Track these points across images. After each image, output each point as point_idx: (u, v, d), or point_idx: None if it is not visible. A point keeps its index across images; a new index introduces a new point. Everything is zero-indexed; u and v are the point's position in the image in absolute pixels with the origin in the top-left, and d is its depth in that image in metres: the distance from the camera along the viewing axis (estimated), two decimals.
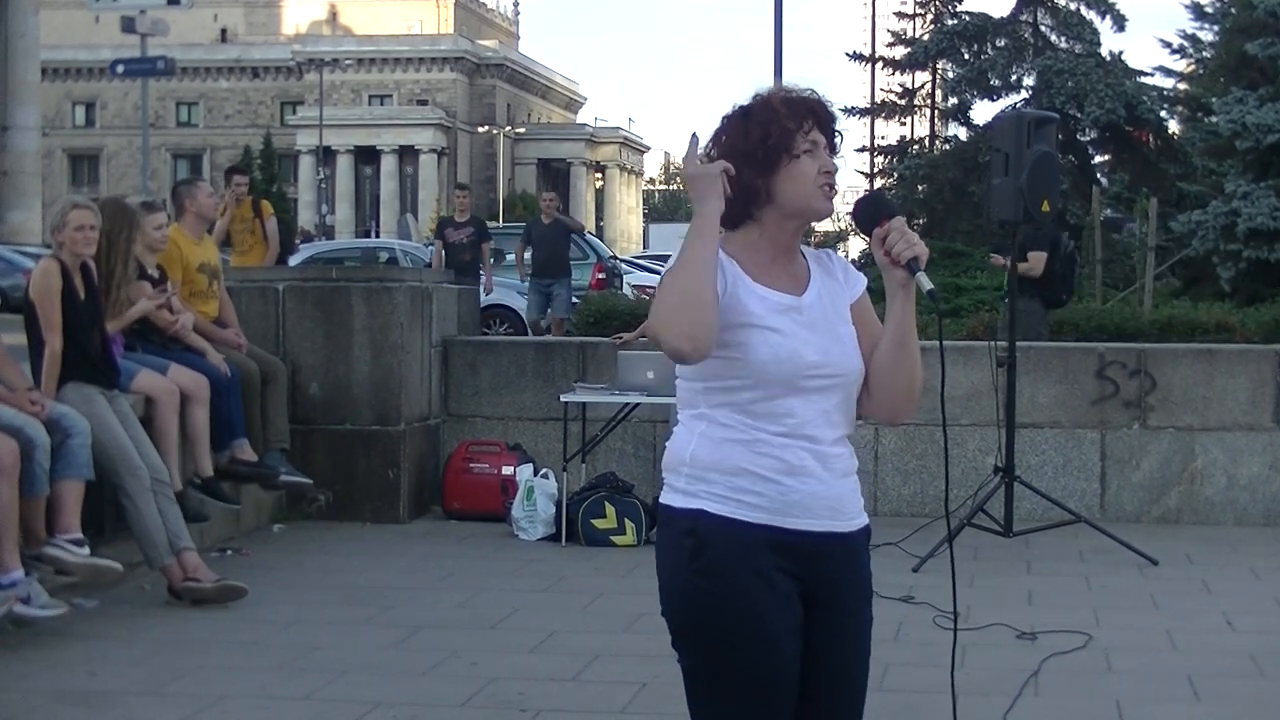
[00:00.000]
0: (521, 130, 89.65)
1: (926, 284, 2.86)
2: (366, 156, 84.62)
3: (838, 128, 3.03)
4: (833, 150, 2.99)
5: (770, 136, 2.93)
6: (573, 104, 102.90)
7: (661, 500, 2.99)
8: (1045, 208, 8.51)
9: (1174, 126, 30.46)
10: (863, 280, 3.05)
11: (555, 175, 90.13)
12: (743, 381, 2.89)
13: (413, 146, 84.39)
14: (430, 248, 22.35)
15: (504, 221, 61.54)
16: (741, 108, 3.01)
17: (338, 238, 64.89)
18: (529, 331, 15.78)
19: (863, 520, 3.02)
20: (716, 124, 3.04)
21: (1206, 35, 34.43)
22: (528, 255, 16.36)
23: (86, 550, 6.51)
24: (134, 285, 7.46)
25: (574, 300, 15.85)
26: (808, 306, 2.95)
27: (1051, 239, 10.54)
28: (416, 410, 9.40)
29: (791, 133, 2.93)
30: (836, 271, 3.06)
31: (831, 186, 2.96)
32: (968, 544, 8.24)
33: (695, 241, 2.82)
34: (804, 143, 2.94)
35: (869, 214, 2.96)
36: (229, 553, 8.14)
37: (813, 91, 3.04)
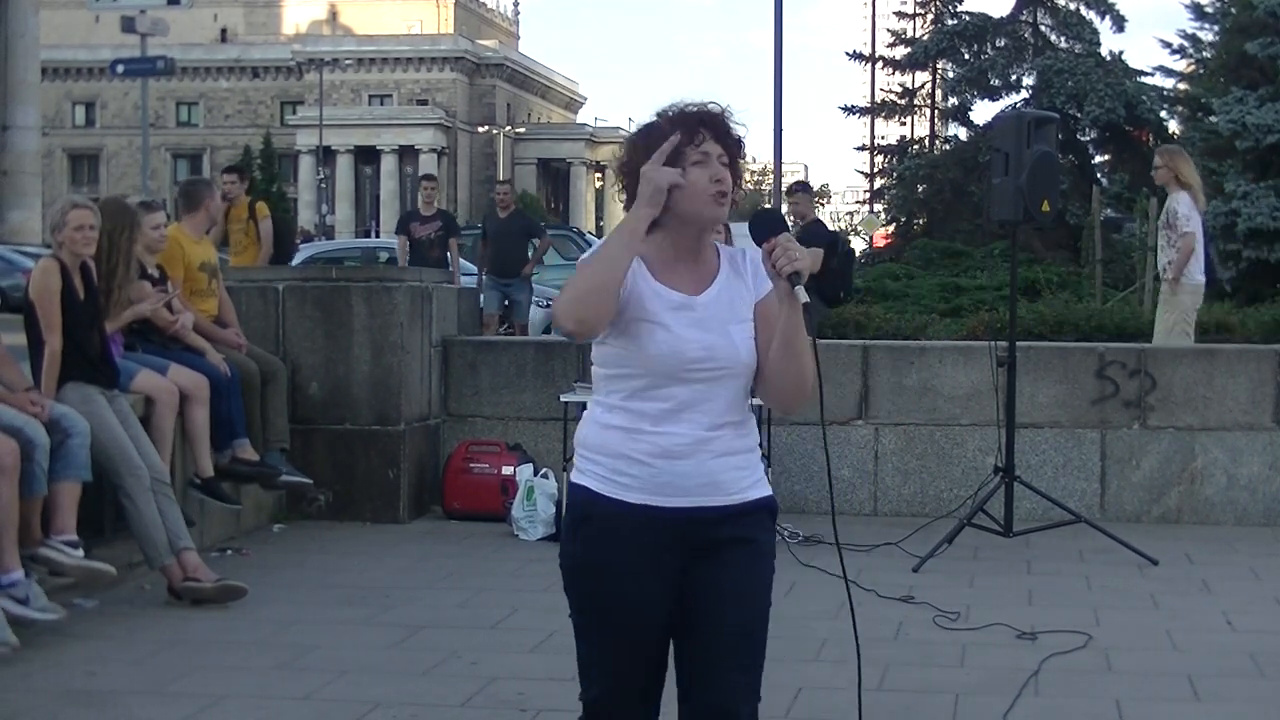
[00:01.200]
0: (521, 130, 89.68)
1: (803, 296, 3.16)
2: (366, 156, 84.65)
3: (738, 134, 3.29)
4: (731, 157, 3.26)
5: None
6: (573, 104, 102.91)
7: (570, 475, 3.40)
8: (1045, 208, 8.50)
9: (1174, 126, 30.45)
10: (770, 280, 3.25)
11: (555, 175, 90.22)
12: (634, 370, 3.24)
13: (413, 146, 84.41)
14: None
15: None
16: (642, 125, 3.33)
17: (338, 238, 64.94)
18: (481, 328, 13.06)
19: (753, 494, 3.34)
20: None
21: (1207, 35, 34.40)
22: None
23: (81, 552, 6.50)
24: (135, 285, 7.47)
25: (540, 302, 15.20)
26: (702, 304, 3.26)
27: (829, 237, 10.66)
28: (416, 410, 9.40)
29: (682, 147, 3.22)
30: (745, 272, 3.33)
31: (723, 194, 3.23)
32: (968, 544, 8.24)
33: (619, 240, 3.17)
34: (695, 154, 3.22)
35: (760, 230, 3.21)
36: (229, 553, 8.14)
37: (713, 104, 3.31)
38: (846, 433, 9.58)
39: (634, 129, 3.37)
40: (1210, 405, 9.30)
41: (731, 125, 3.30)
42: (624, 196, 3.33)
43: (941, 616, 6.75)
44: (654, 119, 3.31)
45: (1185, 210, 10.06)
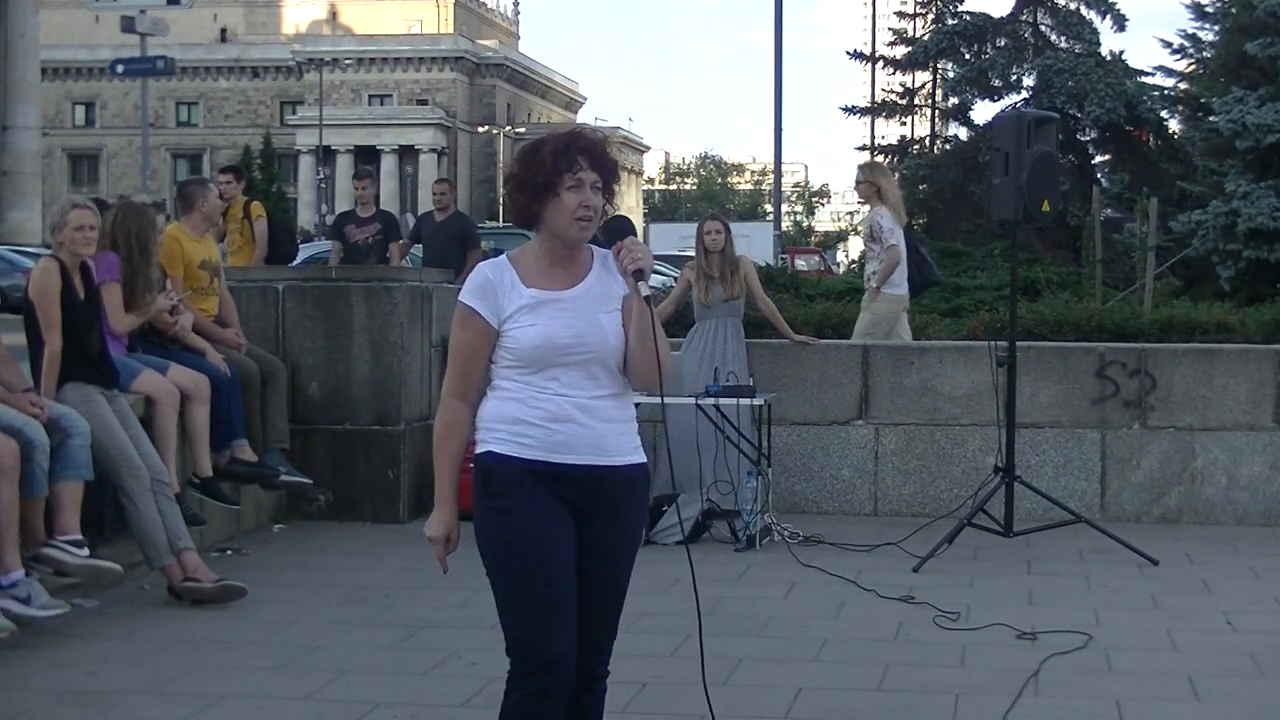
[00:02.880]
0: (521, 130, 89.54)
1: (645, 290, 3.68)
2: (366, 156, 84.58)
3: (614, 162, 3.77)
4: (605, 183, 3.73)
5: (541, 172, 3.71)
6: (573, 104, 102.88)
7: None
8: (1045, 208, 8.51)
9: (1174, 126, 30.45)
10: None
11: None
12: (516, 359, 3.73)
13: (413, 146, 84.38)
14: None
15: (504, 221, 61.54)
16: (532, 143, 3.79)
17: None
18: None
19: (632, 459, 3.81)
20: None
21: (1207, 35, 34.39)
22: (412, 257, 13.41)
23: (85, 551, 6.51)
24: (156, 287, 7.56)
25: None
26: (572, 298, 3.74)
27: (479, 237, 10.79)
28: (416, 410, 9.39)
29: (560, 172, 3.69)
30: (614, 270, 3.79)
31: (589, 220, 3.71)
32: (968, 544, 8.24)
33: (436, 473, 3.85)
34: (570, 180, 3.69)
35: (611, 233, 3.75)
36: (229, 553, 8.14)
37: (598, 133, 3.80)
38: (846, 433, 9.58)
39: (524, 146, 3.82)
40: (1210, 405, 9.30)
41: (609, 154, 3.76)
42: (508, 202, 3.84)
43: (941, 616, 6.75)
44: (542, 140, 3.77)
45: (888, 224, 10.23)
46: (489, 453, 3.75)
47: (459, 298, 3.80)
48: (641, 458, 3.83)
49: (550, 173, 3.69)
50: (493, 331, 3.73)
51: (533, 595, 3.69)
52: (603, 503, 3.75)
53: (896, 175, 32.88)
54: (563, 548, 3.71)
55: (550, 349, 3.69)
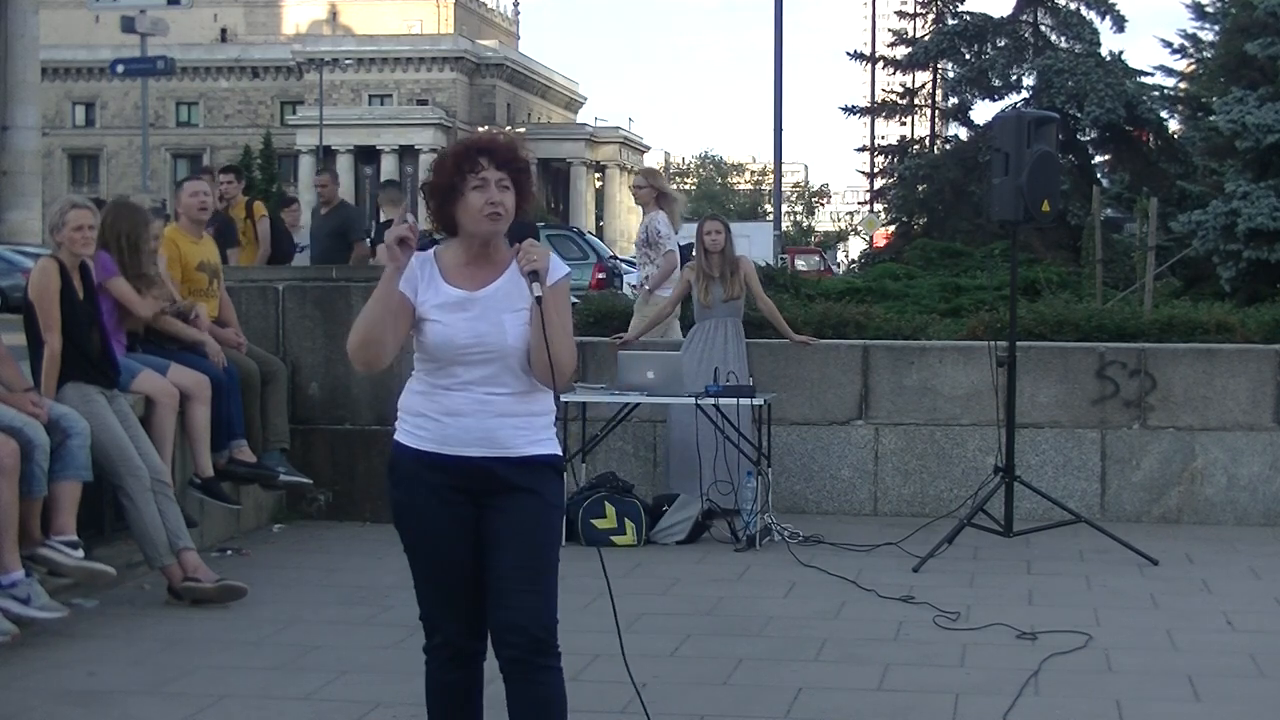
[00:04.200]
0: (521, 130, 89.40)
1: (537, 291, 3.84)
2: (366, 156, 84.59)
3: (521, 160, 3.93)
4: (512, 180, 3.89)
5: (445, 177, 3.91)
6: (573, 104, 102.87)
7: None
8: (1045, 208, 8.51)
9: (1174, 126, 30.45)
10: (551, 278, 3.89)
11: (555, 175, 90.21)
12: (425, 354, 3.98)
13: (413, 146, 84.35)
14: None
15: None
16: (439, 153, 4.04)
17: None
18: None
19: (528, 451, 3.93)
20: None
21: (1207, 35, 34.41)
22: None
23: (81, 552, 6.51)
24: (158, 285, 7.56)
25: None
26: (481, 299, 3.92)
27: (366, 228, 10.66)
28: None
29: (464, 173, 3.88)
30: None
31: (498, 215, 3.89)
32: (968, 544, 8.25)
33: (375, 298, 3.87)
34: (474, 180, 3.88)
35: (513, 236, 3.97)
36: (229, 553, 8.15)
37: (500, 134, 4.04)
38: (846, 432, 9.58)
39: (436, 155, 4.07)
40: (1210, 405, 9.30)
41: (513, 153, 3.93)
42: (431, 207, 3.97)
43: (941, 616, 6.75)
44: (449, 147, 4.01)
45: (665, 230, 10.44)
46: (395, 442, 4.03)
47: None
48: (544, 450, 3.96)
49: (453, 175, 3.89)
50: (409, 306, 3.91)
51: (425, 579, 4.01)
52: (496, 488, 3.91)
53: (896, 175, 32.96)
54: (453, 535, 3.93)
55: (450, 348, 3.89)
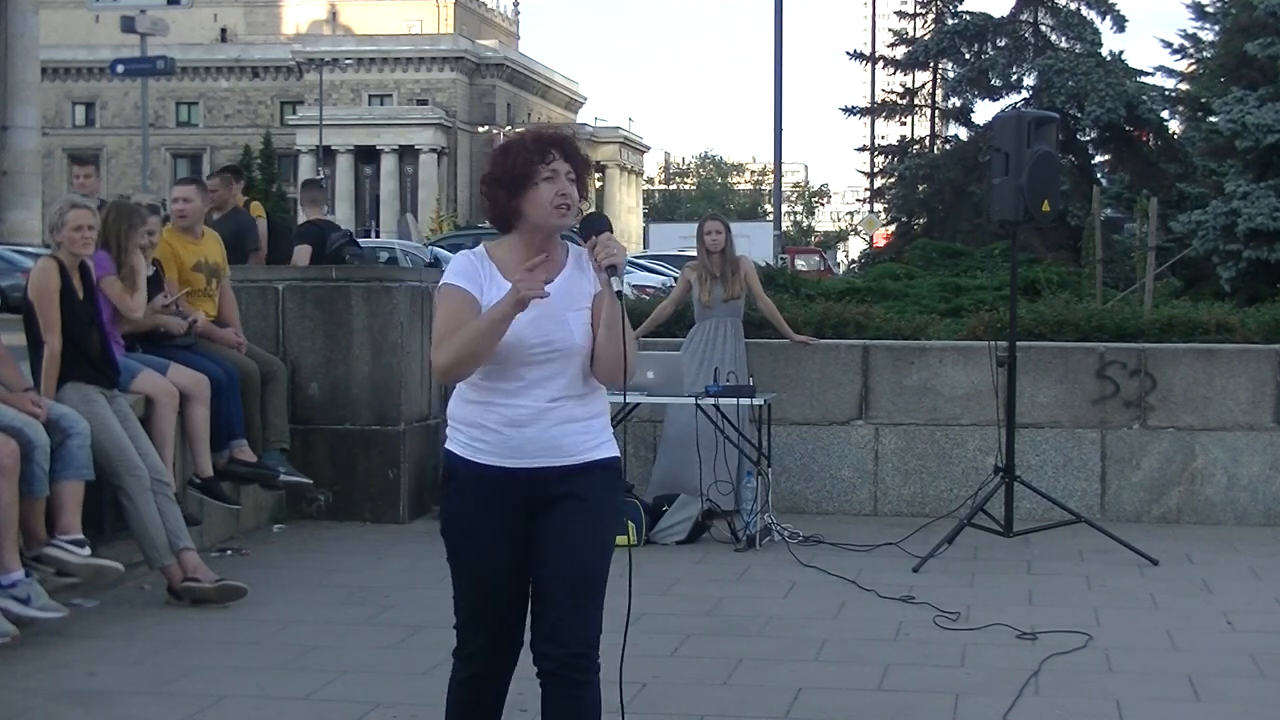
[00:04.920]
0: (521, 130, 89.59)
1: (617, 285, 3.73)
2: (366, 156, 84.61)
3: (584, 156, 3.86)
4: (578, 174, 3.80)
5: (516, 167, 3.79)
6: (573, 104, 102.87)
7: None
8: (1045, 208, 8.51)
9: (1174, 126, 30.44)
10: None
11: None
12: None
13: (413, 146, 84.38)
14: (431, 248, 22.08)
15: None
16: (502, 144, 3.88)
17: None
18: None
19: (590, 456, 3.83)
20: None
21: (1207, 35, 34.41)
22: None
23: (87, 551, 6.51)
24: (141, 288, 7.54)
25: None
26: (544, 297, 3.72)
27: (314, 234, 10.37)
28: (416, 410, 9.40)
29: (534, 164, 3.77)
30: (588, 268, 3.84)
31: (568, 207, 3.77)
32: (968, 544, 8.25)
33: (489, 329, 3.68)
34: (545, 171, 3.77)
35: (587, 229, 3.80)
36: (229, 553, 8.14)
37: (565, 128, 3.96)
38: (846, 432, 9.59)
39: (497, 145, 3.88)
40: (1210, 405, 9.30)
41: (579, 147, 3.85)
42: (484, 202, 3.88)
43: (941, 616, 6.75)
44: (514, 138, 3.88)
45: None
46: (449, 452, 3.88)
47: (441, 280, 3.83)
48: (606, 453, 3.86)
49: (526, 165, 3.77)
50: (478, 305, 3.75)
51: (470, 593, 3.90)
52: (553, 497, 3.80)
53: (896, 175, 32.94)
54: (502, 553, 3.82)
55: (518, 349, 3.73)
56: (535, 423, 3.77)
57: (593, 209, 4.02)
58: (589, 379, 3.83)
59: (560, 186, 3.77)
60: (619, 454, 3.94)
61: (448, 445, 3.89)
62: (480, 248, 3.86)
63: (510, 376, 3.77)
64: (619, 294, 3.73)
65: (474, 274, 3.79)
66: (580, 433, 3.82)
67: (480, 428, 3.81)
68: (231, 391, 8.01)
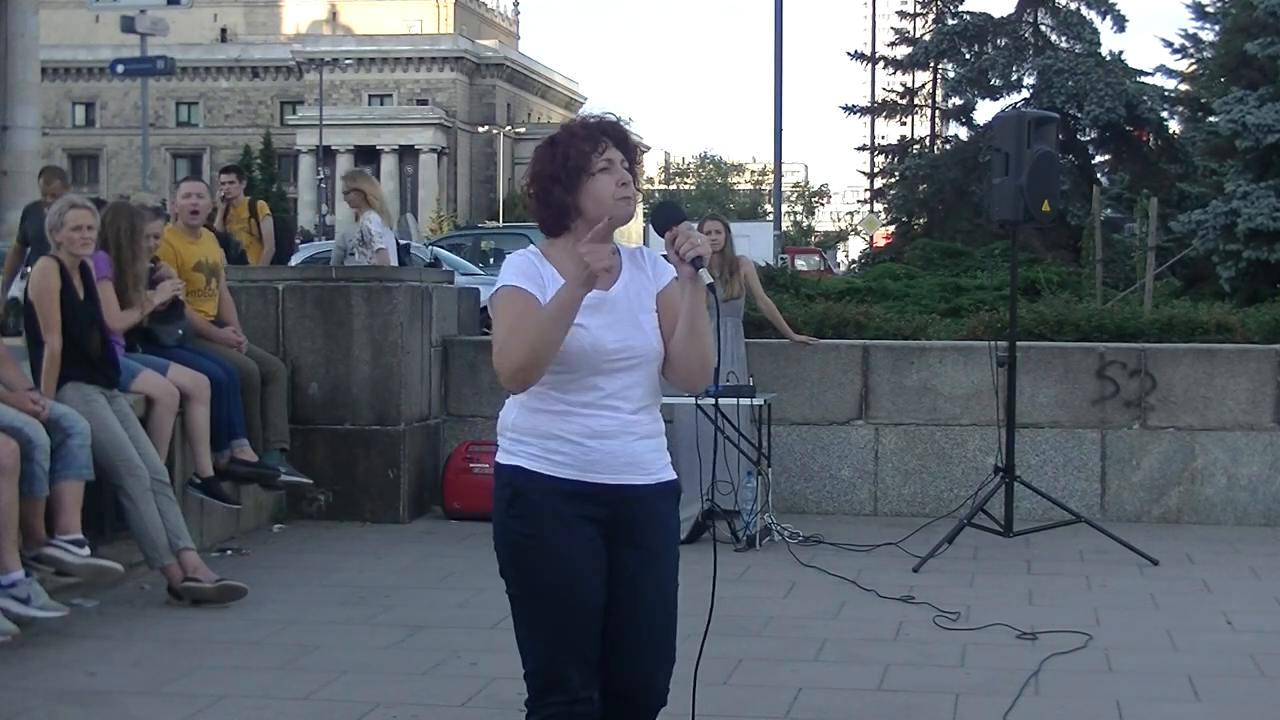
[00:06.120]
0: (521, 130, 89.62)
1: (707, 278, 3.42)
2: (366, 156, 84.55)
3: (635, 142, 3.59)
4: (631, 163, 3.54)
5: (570, 159, 3.50)
6: (573, 104, 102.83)
7: (495, 458, 3.58)
8: (1045, 208, 8.51)
9: (1174, 126, 30.46)
10: (670, 272, 3.56)
11: None
12: (561, 366, 3.44)
13: (413, 146, 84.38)
14: (431, 248, 22.06)
15: (504, 221, 61.56)
16: (549, 137, 3.59)
17: (337, 237, 64.75)
18: None
19: (665, 476, 3.59)
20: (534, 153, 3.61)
21: (1208, 35, 34.44)
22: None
23: (87, 551, 6.51)
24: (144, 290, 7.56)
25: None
26: (613, 299, 3.50)
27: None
28: (416, 410, 9.40)
29: (587, 154, 3.49)
30: (646, 266, 3.61)
31: (629, 197, 3.50)
32: (968, 544, 8.24)
33: (557, 316, 3.37)
34: (600, 161, 3.50)
35: (663, 219, 3.48)
36: (229, 553, 8.15)
37: (609, 115, 3.61)
38: (846, 433, 9.58)
39: (541, 142, 3.61)
40: (1210, 405, 9.30)
41: (629, 134, 3.59)
42: (533, 205, 3.59)
43: (941, 616, 6.75)
44: (559, 131, 3.59)
45: (377, 229, 10.53)
46: (517, 468, 3.50)
47: (498, 285, 3.50)
48: (672, 474, 3.62)
49: (579, 156, 3.49)
50: (540, 307, 3.43)
51: (555, 625, 3.50)
52: (632, 522, 3.53)
53: (896, 175, 32.97)
54: (591, 576, 3.50)
55: (595, 355, 3.44)
56: (620, 435, 3.48)
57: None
58: (657, 391, 3.58)
59: (619, 175, 3.50)
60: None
61: (507, 460, 3.52)
62: (534, 248, 3.58)
63: (586, 387, 3.47)
64: (711, 287, 3.44)
65: (534, 274, 3.49)
66: (655, 450, 3.58)
67: (556, 438, 3.47)
68: (232, 391, 8.01)
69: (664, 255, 3.60)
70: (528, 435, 3.50)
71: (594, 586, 3.50)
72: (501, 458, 3.55)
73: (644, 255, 3.62)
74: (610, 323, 3.47)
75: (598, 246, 3.35)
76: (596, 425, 3.46)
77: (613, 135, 3.54)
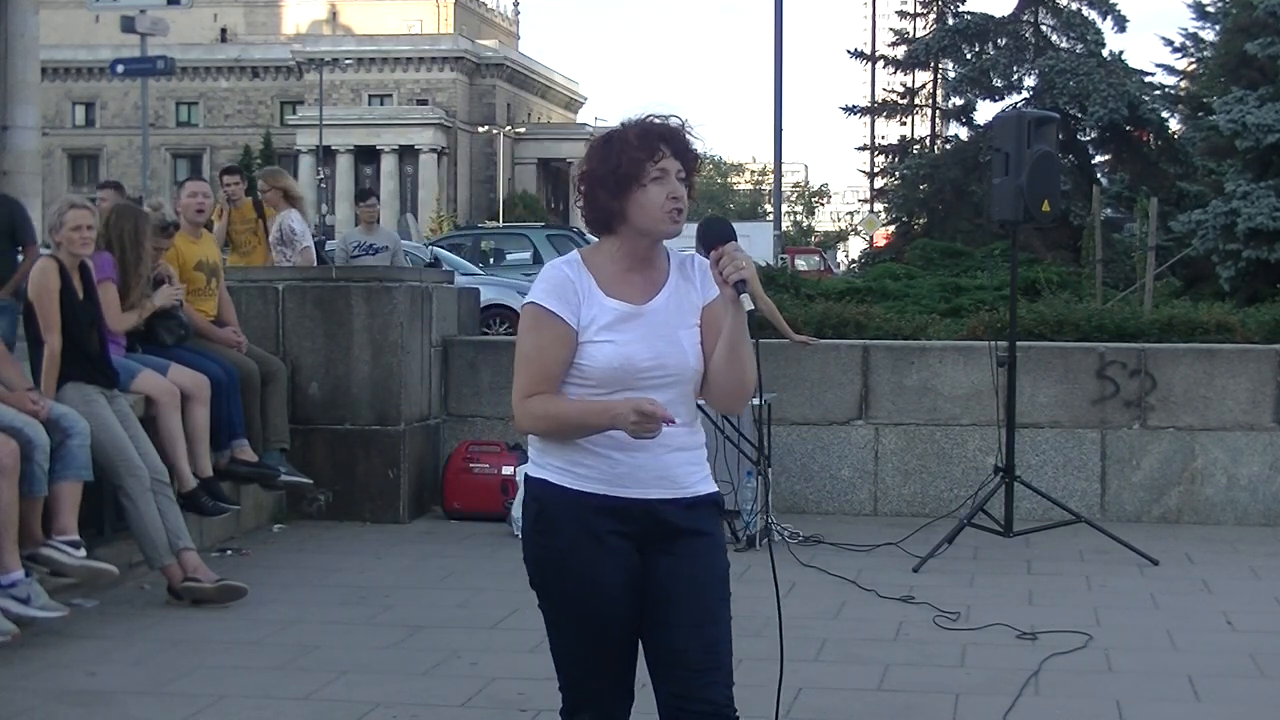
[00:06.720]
0: (521, 130, 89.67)
1: (749, 304, 3.27)
2: (366, 156, 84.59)
3: (696, 149, 3.39)
4: (688, 172, 3.36)
5: (621, 165, 3.31)
6: (573, 104, 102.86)
7: (525, 469, 3.49)
8: (1046, 208, 8.51)
9: (1174, 126, 30.47)
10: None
11: (555, 175, 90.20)
12: (587, 380, 3.33)
13: (413, 146, 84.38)
14: (431, 248, 22.14)
15: (504, 221, 61.54)
16: (604, 135, 3.41)
17: (337, 237, 64.76)
18: None
19: (701, 490, 3.43)
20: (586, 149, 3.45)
21: (1208, 34, 34.44)
22: None
23: (83, 552, 6.50)
24: (149, 289, 7.56)
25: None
26: (652, 311, 3.36)
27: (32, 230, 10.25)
28: (416, 410, 9.40)
29: (641, 162, 3.30)
30: (694, 277, 3.44)
31: (679, 211, 3.33)
32: (968, 544, 8.24)
33: (579, 425, 3.30)
34: (653, 170, 3.31)
35: (710, 237, 3.32)
36: (229, 553, 8.15)
37: (674, 119, 3.39)
38: (846, 433, 9.58)
39: (597, 138, 3.44)
40: (1210, 405, 9.30)
41: (691, 140, 3.38)
42: (581, 203, 3.43)
43: (941, 616, 6.75)
44: (617, 129, 3.39)
45: (300, 227, 10.50)
46: (543, 482, 3.40)
47: (529, 298, 3.37)
48: (713, 488, 3.47)
49: (632, 163, 3.30)
50: (573, 335, 3.31)
51: (583, 641, 3.43)
52: (667, 533, 3.39)
53: (897, 175, 32.95)
54: (620, 593, 3.38)
55: (630, 370, 3.30)
56: (649, 448, 3.31)
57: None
58: (695, 406, 3.45)
59: (671, 188, 3.32)
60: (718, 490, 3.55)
61: (534, 474, 3.42)
62: (575, 254, 3.44)
63: (617, 399, 3.31)
64: (752, 313, 3.29)
65: (568, 293, 3.33)
66: (690, 463, 3.43)
67: (582, 451, 3.34)
68: (232, 391, 8.01)
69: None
70: (554, 448, 3.38)
71: (623, 604, 3.39)
72: (530, 470, 3.45)
73: (693, 265, 3.44)
74: (644, 337, 3.33)
75: (651, 420, 3.19)
76: (625, 438, 3.29)
77: (672, 142, 3.35)
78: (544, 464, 3.40)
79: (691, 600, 3.38)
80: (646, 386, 3.31)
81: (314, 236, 11.77)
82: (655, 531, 3.38)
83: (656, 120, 3.36)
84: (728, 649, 3.43)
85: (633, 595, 3.39)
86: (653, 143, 3.32)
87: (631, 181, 3.31)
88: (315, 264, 10.46)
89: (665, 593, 3.38)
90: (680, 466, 3.40)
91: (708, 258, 3.32)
